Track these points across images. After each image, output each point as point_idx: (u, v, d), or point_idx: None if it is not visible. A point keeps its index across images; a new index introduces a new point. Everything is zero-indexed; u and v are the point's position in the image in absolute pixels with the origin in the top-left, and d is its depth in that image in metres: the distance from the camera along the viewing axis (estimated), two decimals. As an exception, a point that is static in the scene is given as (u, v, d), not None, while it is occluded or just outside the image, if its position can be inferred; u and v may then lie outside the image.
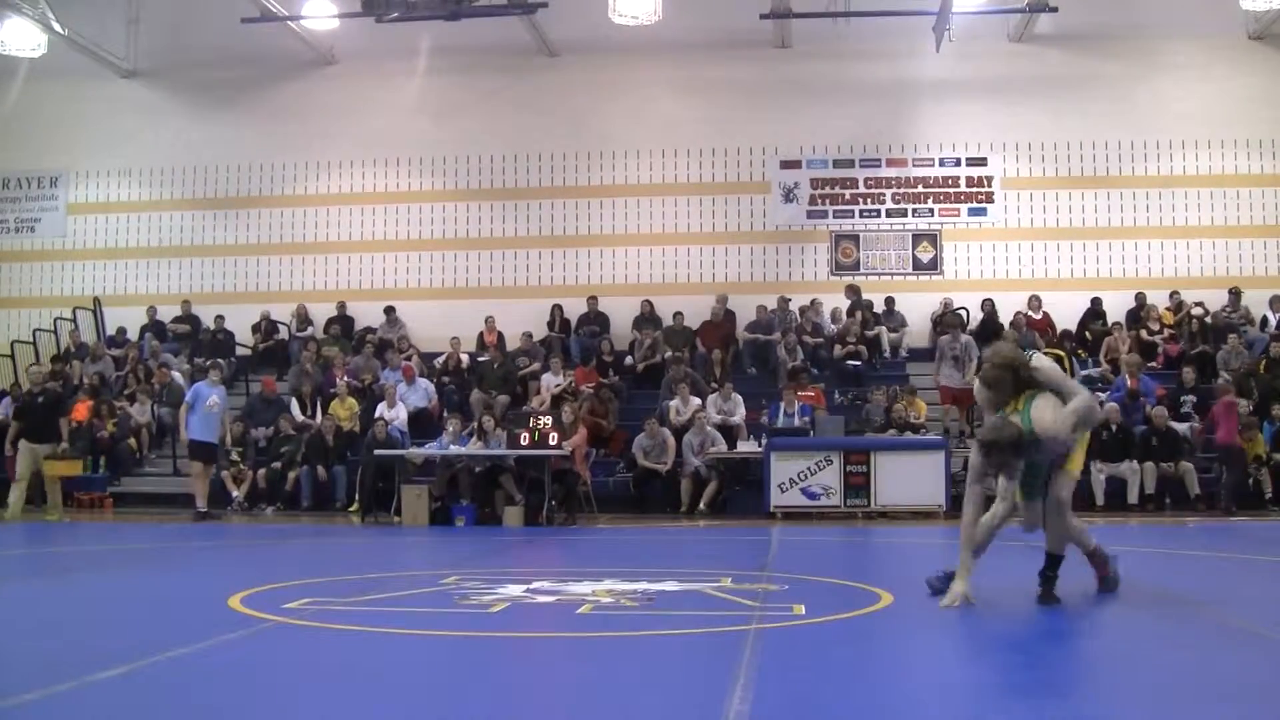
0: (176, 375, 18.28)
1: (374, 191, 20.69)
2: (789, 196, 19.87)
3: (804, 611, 6.09)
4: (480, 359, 18.38)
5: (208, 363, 16.60)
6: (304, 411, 17.16)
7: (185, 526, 13.65)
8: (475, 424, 15.30)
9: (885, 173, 19.81)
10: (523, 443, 13.93)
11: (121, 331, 20.37)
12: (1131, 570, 6.96)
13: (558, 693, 4.35)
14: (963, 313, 19.07)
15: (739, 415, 16.03)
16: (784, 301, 18.87)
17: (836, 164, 19.88)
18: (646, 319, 19.05)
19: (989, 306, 18.46)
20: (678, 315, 18.82)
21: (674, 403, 16.18)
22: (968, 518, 6.46)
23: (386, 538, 12.66)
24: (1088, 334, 18.52)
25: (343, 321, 20.04)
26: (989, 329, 18.07)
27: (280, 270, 20.83)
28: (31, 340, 20.42)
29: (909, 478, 14.35)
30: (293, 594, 6.77)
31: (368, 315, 20.11)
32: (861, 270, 19.62)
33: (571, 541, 11.94)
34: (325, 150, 20.63)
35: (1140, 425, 15.43)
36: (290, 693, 4.26)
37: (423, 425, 16.61)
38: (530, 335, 18.76)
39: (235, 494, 15.94)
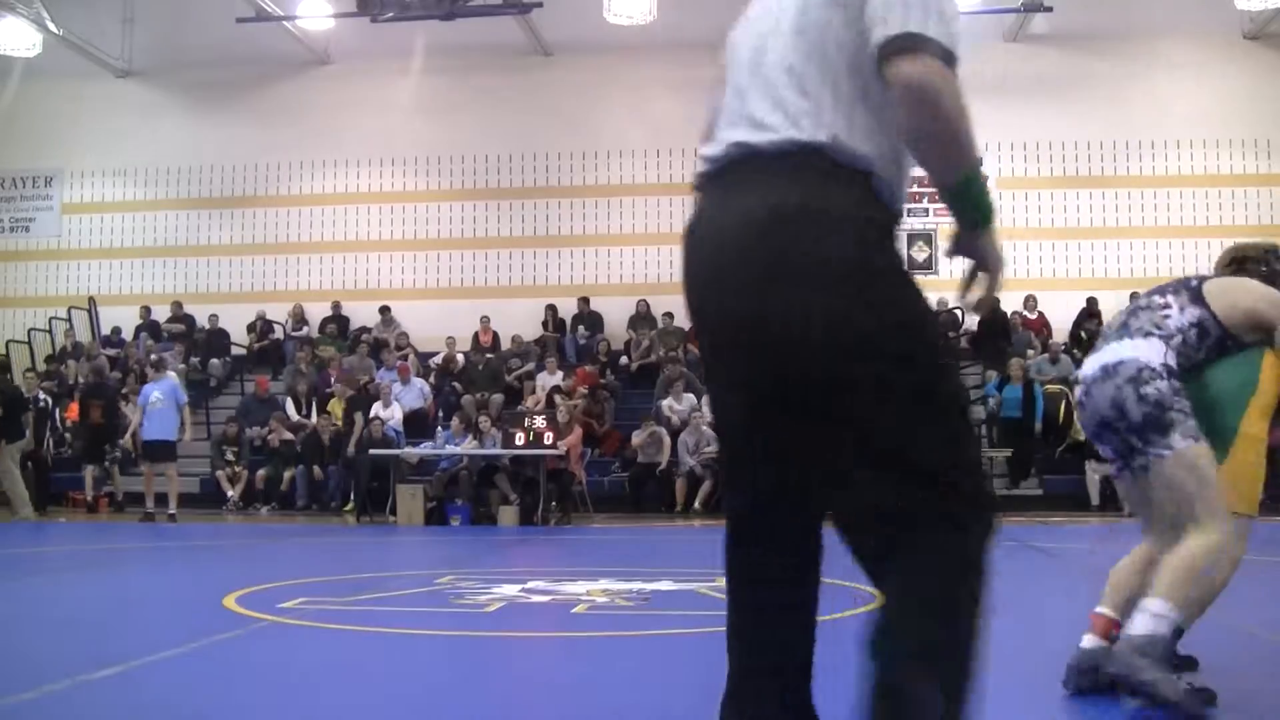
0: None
1: (369, 191, 20.69)
2: (785, 196, 19.86)
3: (799, 611, 6.07)
4: (471, 359, 18.41)
5: (153, 357, 16.56)
6: (299, 411, 17.16)
7: (182, 526, 13.65)
8: (457, 423, 15.25)
9: (880, 172, 19.80)
10: (518, 442, 13.93)
11: (116, 331, 20.35)
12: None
13: (553, 692, 4.36)
14: (958, 313, 19.11)
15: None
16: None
17: (832, 163, 19.87)
18: (642, 319, 19.06)
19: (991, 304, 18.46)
20: (667, 316, 18.80)
21: (667, 402, 16.18)
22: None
23: (381, 537, 12.66)
24: (1083, 334, 18.54)
25: (338, 321, 20.04)
26: (994, 327, 18.10)
27: (275, 270, 20.83)
28: (27, 340, 20.40)
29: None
30: (288, 593, 6.77)
31: (363, 315, 20.11)
32: (857, 270, 19.61)
33: (566, 541, 11.94)
34: (320, 150, 20.63)
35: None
36: (286, 692, 4.26)
37: (418, 425, 16.61)
38: (519, 337, 18.74)
39: (230, 494, 15.95)
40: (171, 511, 14.28)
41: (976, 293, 2.28)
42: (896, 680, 2.11)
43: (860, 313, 2.06)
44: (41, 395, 15.75)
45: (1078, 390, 4.08)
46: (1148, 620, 3.66)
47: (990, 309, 17.86)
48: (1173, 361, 3.86)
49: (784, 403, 2.15)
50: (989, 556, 2.17)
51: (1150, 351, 3.88)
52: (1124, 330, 4.03)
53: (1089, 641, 3.87)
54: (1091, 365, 3.99)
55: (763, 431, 2.24)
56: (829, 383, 2.08)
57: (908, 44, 2.02)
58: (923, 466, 2.07)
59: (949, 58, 2.04)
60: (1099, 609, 3.92)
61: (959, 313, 19.08)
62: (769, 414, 2.20)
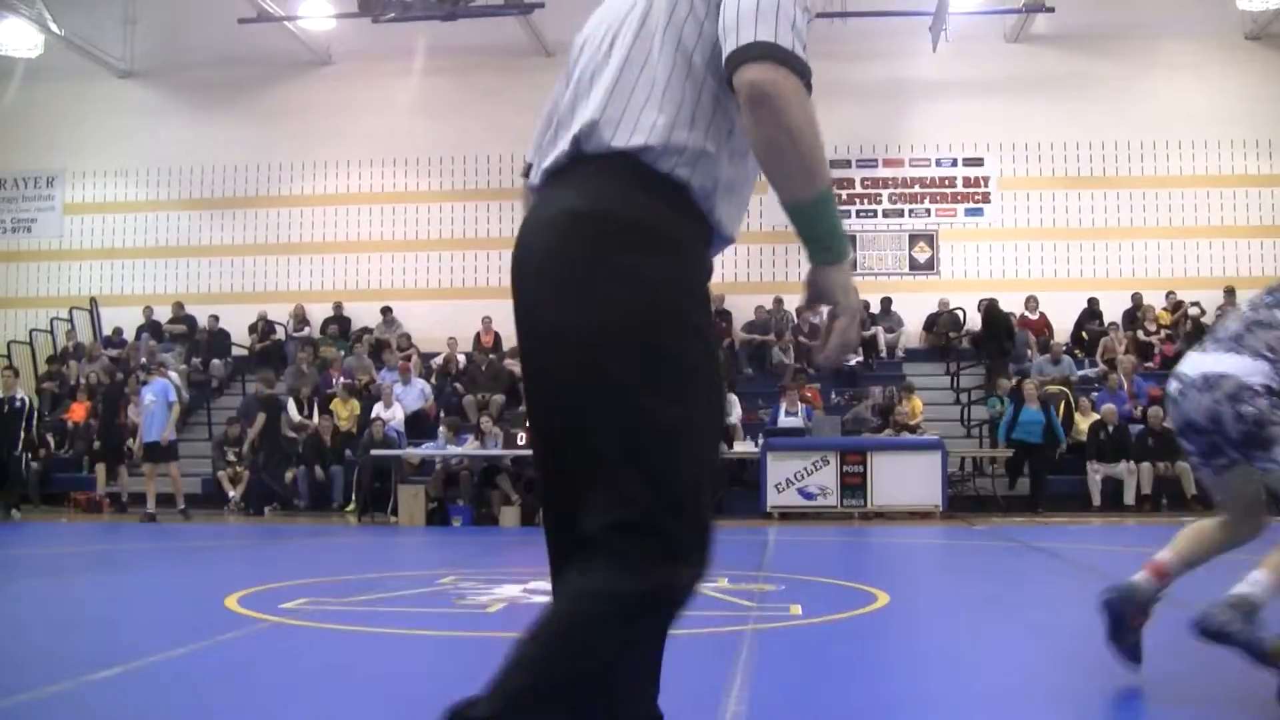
0: (174, 376, 18.27)
1: (370, 192, 20.69)
2: (786, 197, 19.84)
3: (800, 612, 6.09)
4: (473, 359, 18.40)
5: (142, 360, 16.55)
6: (301, 412, 17.16)
7: (183, 527, 13.65)
8: (446, 430, 15.22)
9: (882, 173, 19.82)
10: (520, 443, 13.93)
11: (118, 332, 20.36)
12: (1128, 570, 6.95)
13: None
14: (959, 313, 19.11)
15: (735, 415, 16.03)
16: (779, 302, 18.88)
17: (833, 164, 19.84)
18: (643, 319, 19.01)
19: (987, 306, 18.45)
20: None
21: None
22: None
23: (383, 538, 12.66)
24: (1084, 334, 18.55)
25: (340, 322, 20.03)
26: (992, 328, 18.08)
27: (277, 270, 20.83)
28: (28, 341, 20.41)
29: (905, 478, 14.35)
30: (290, 594, 6.77)
31: (365, 316, 20.11)
32: (858, 270, 19.60)
33: (568, 542, 11.89)
34: (322, 150, 20.64)
35: (1137, 425, 15.49)
36: (287, 693, 4.26)
37: (419, 426, 16.61)
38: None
39: (232, 494, 15.95)
40: (182, 508, 14.42)
41: (827, 343, 2.12)
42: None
43: (590, 317, 1.99)
44: (20, 394, 15.56)
45: (1172, 385, 4.12)
46: (1243, 585, 3.84)
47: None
48: (1276, 383, 3.88)
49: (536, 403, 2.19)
50: (647, 623, 2.03)
51: (1254, 371, 3.89)
52: (1236, 342, 4.02)
53: (1140, 577, 4.05)
54: (1194, 368, 4.03)
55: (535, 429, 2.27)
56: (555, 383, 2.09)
57: (755, 51, 1.96)
58: (621, 491, 1.97)
59: (801, 69, 1.97)
60: (1157, 555, 4.03)
61: (960, 313, 19.09)
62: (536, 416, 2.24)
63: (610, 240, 2.01)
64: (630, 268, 2.00)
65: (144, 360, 16.53)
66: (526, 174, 2.44)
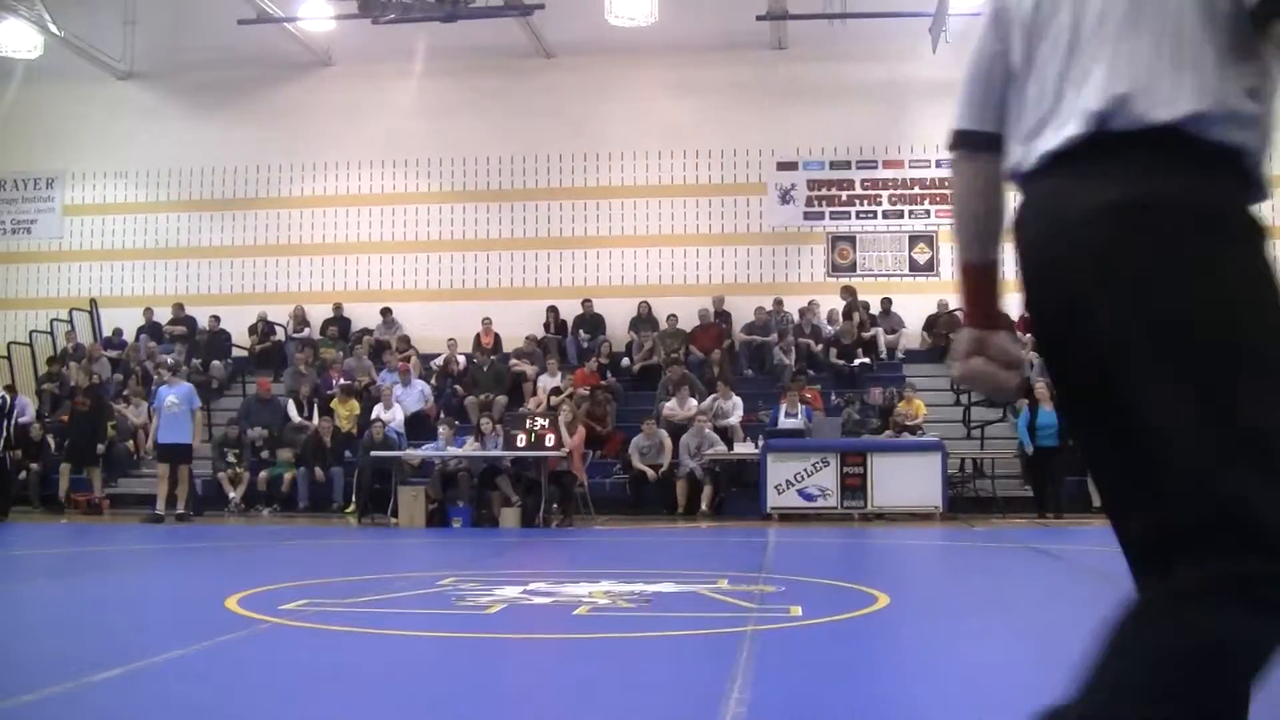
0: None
1: (370, 193, 20.69)
2: (785, 198, 19.88)
3: (801, 613, 6.09)
4: (474, 360, 18.42)
5: (170, 360, 16.55)
6: (301, 413, 17.17)
7: (184, 529, 13.65)
8: (446, 430, 15.23)
9: (882, 174, 19.81)
10: (519, 444, 13.92)
11: (118, 333, 20.35)
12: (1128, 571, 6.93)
13: (555, 694, 4.36)
14: (960, 314, 19.10)
15: (735, 417, 16.01)
16: (779, 303, 18.87)
17: (833, 165, 19.89)
18: (643, 320, 19.06)
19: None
20: (671, 318, 18.79)
21: (669, 404, 16.16)
22: None
23: (383, 539, 12.66)
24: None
25: (340, 323, 20.02)
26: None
27: (277, 272, 20.82)
28: (28, 342, 20.40)
29: (906, 479, 14.34)
30: (290, 595, 6.77)
31: (365, 317, 20.11)
32: (858, 272, 19.62)
33: (568, 543, 11.94)
34: (321, 152, 20.63)
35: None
36: (288, 694, 4.26)
37: (419, 427, 16.61)
38: (534, 338, 18.75)
39: (232, 495, 15.95)
40: (180, 511, 14.47)
41: None
42: None
43: (1174, 319, 1.70)
44: (2, 394, 15.51)
45: None
46: None
47: None
48: None
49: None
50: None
51: None
52: None
53: None
54: None
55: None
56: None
57: None
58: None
59: None
60: None
61: (960, 314, 19.07)
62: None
63: (1179, 233, 1.70)
64: (1213, 261, 1.70)
65: (170, 361, 16.54)
66: (956, 146, 2.08)
